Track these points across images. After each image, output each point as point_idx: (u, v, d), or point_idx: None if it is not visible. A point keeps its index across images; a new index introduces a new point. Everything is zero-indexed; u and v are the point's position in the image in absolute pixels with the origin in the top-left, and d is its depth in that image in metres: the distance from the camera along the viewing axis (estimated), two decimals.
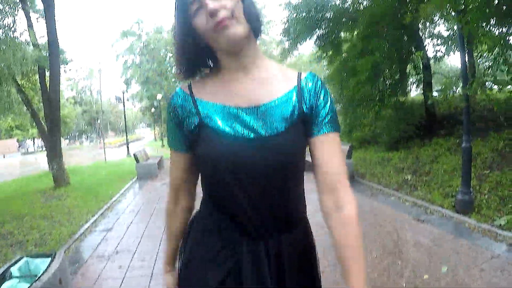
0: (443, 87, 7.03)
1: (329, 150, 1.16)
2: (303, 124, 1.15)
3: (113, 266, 4.83)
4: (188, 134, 1.18)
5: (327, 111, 1.16)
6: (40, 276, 3.15)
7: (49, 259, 3.48)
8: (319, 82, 1.19)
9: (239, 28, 1.04)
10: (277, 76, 1.18)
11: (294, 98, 1.14)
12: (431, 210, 6.15)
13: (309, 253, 1.31)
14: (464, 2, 6.06)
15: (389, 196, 7.40)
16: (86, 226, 6.83)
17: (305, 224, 1.34)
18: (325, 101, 1.17)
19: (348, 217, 1.12)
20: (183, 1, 1.09)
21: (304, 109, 1.15)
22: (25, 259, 3.48)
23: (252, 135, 1.10)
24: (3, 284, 3.09)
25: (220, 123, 1.11)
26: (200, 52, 1.16)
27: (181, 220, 1.40)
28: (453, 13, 6.50)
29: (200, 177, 1.29)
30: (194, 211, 1.43)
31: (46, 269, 3.28)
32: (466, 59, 6.48)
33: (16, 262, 3.40)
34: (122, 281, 4.33)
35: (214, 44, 1.10)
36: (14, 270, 3.30)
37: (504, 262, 4.04)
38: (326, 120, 1.16)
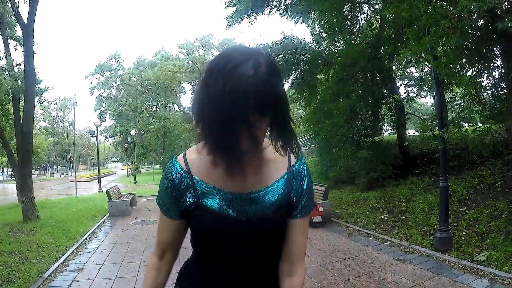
0: (420, 130, 7.19)
1: (300, 232, 1.29)
2: (288, 208, 1.24)
3: None
4: (184, 208, 1.25)
5: (307, 197, 1.28)
6: None
7: None
8: (305, 171, 1.28)
9: (258, 148, 1.12)
10: (270, 162, 1.24)
11: (283, 186, 1.23)
12: (410, 249, 6.15)
13: None
14: (440, 48, 6.29)
15: (367, 236, 7.36)
16: (56, 265, 6.48)
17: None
18: (308, 188, 1.28)
19: (295, 283, 1.30)
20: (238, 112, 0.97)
21: (291, 197, 1.24)
22: None
23: (243, 218, 1.20)
24: None
25: (215, 205, 1.20)
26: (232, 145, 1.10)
27: (164, 272, 1.43)
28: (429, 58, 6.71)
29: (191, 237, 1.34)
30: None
31: None
32: (428, 103, 6.68)
33: None
34: None
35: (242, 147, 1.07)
36: None
37: None
38: (305, 205, 1.27)
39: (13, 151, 12.86)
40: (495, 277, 4.59)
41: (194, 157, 1.25)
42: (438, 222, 6.06)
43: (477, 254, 5.31)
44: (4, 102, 10.92)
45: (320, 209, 8.70)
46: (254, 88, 0.93)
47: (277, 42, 13.61)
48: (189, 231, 1.35)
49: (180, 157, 1.28)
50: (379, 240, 7.01)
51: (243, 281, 1.27)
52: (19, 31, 10.66)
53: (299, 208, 1.25)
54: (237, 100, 0.93)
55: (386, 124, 13.62)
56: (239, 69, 0.94)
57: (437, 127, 6.50)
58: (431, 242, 6.14)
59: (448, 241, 5.80)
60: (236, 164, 1.06)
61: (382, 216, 8.35)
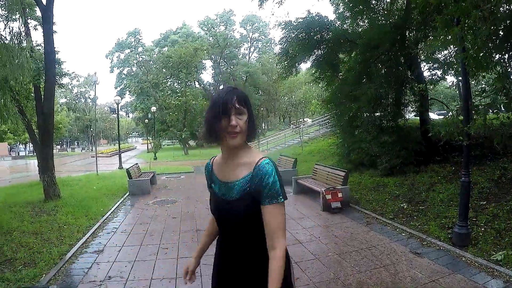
0: (444, 120, 7.02)
1: (270, 215, 1.78)
2: (254, 196, 1.81)
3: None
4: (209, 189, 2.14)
5: (268, 190, 1.77)
6: None
7: None
8: (266, 169, 1.79)
9: (239, 140, 1.84)
10: (247, 163, 1.88)
11: (247, 181, 1.85)
12: (428, 242, 6.09)
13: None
14: (469, 40, 6.08)
15: (385, 225, 7.31)
16: (77, 246, 6.66)
17: (261, 260, 1.85)
18: (266, 183, 1.77)
19: (274, 254, 1.75)
20: (217, 106, 1.82)
21: (252, 188, 1.82)
22: None
23: (226, 198, 1.94)
24: None
25: (216, 189, 2.04)
26: (215, 133, 1.86)
27: (213, 231, 2.27)
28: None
29: None
30: None
31: None
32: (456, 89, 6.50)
33: None
34: None
35: (224, 138, 1.84)
36: None
37: None
38: (269, 196, 1.77)
39: (34, 130, 13.07)
40: (511, 279, 4.51)
41: (217, 158, 2.12)
42: (457, 215, 5.96)
43: (494, 253, 5.23)
44: (25, 82, 11.01)
45: (339, 194, 8.69)
46: (236, 93, 1.85)
47: (300, 20, 13.38)
48: None
49: (212, 158, 2.17)
50: (397, 230, 6.96)
51: (235, 247, 1.95)
52: (38, 11, 10.65)
53: (263, 197, 1.77)
54: (226, 99, 1.81)
55: (409, 109, 13.33)
56: (221, 92, 1.87)
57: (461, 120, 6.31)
58: (449, 236, 6.07)
59: (466, 237, 5.71)
60: (235, 131, 1.80)
61: (401, 205, 8.28)
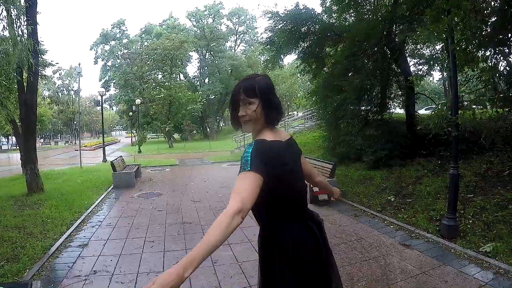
0: (432, 113, 7.04)
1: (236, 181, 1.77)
2: None
3: None
4: None
5: (241, 161, 1.83)
6: None
7: None
8: (247, 148, 1.90)
9: (248, 127, 2.03)
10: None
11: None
12: (416, 234, 6.11)
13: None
14: (459, 31, 6.08)
15: (373, 218, 7.33)
16: (61, 240, 6.52)
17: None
18: (242, 157, 1.85)
19: (224, 212, 1.62)
20: (231, 97, 2.09)
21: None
22: None
23: None
24: None
25: None
26: (234, 121, 2.12)
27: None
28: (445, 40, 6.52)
29: None
30: None
31: None
32: (443, 83, 6.49)
33: None
34: None
35: (241, 124, 2.06)
36: None
37: None
38: (240, 166, 1.83)
39: (17, 122, 12.82)
40: (500, 271, 4.54)
41: None
42: (445, 208, 6.00)
43: (483, 245, 5.26)
44: (8, 73, 10.76)
45: None
46: (244, 84, 2.01)
47: (288, 12, 13.31)
48: None
49: None
50: (385, 222, 6.98)
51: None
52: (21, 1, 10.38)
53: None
54: (234, 92, 2.03)
55: (395, 102, 13.39)
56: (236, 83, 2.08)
57: (449, 112, 6.32)
58: (437, 228, 6.10)
59: (455, 229, 5.75)
60: (243, 120, 2.01)
61: (389, 197, 8.31)
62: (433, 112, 7.22)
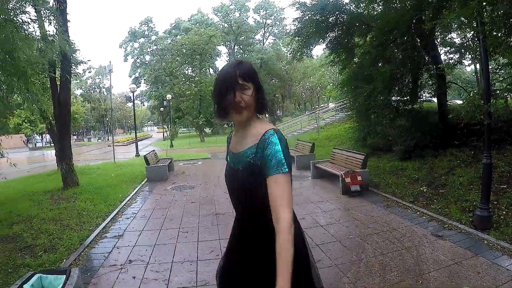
0: (465, 101, 6.95)
1: (273, 186, 1.71)
2: (258, 167, 1.80)
3: (126, 277, 4.79)
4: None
5: (271, 161, 1.74)
6: None
7: (63, 276, 3.47)
8: (270, 139, 1.78)
9: (245, 115, 1.88)
10: (254, 134, 1.89)
11: (253, 151, 1.85)
12: (449, 225, 6.08)
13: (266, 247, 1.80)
14: (487, 15, 5.98)
15: (405, 209, 7.31)
16: (96, 231, 6.81)
17: (265, 227, 1.80)
18: (269, 153, 1.76)
19: (279, 227, 1.64)
20: (221, 82, 1.87)
21: (256, 159, 1.83)
22: (38, 275, 3.46)
23: (234, 167, 1.99)
24: None
25: (228, 159, 2.14)
26: (223, 109, 1.91)
27: None
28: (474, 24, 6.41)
29: None
30: None
31: (62, 287, 3.28)
32: (475, 72, 6.40)
33: (29, 279, 3.38)
34: None
35: (232, 114, 1.89)
36: (27, 287, 3.27)
37: None
38: (272, 167, 1.73)
39: (51, 120, 13.21)
40: None
41: (233, 134, 2.16)
42: (478, 199, 5.94)
43: None
44: (41, 72, 11.10)
45: (359, 177, 8.72)
46: (241, 68, 1.86)
47: (315, 2, 13.28)
48: None
49: (233, 131, 2.17)
50: (418, 213, 6.96)
51: (243, 221, 2.04)
52: (51, 2, 10.70)
53: (267, 168, 1.74)
54: (229, 75, 1.84)
55: (426, 92, 13.22)
56: (226, 68, 1.92)
57: (481, 100, 6.23)
58: (470, 219, 6.05)
59: (488, 220, 5.69)
60: (239, 107, 1.84)
61: (421, 188, 8.26)
62: (465, 101, 7.13)
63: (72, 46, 11.15)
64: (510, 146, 8.64)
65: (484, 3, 5.65)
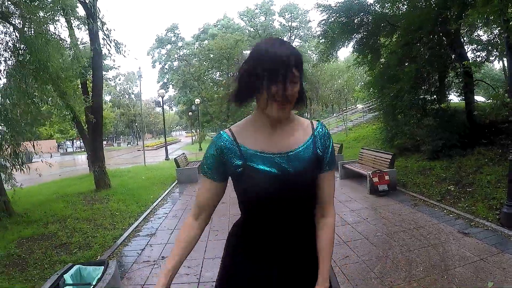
0: (491, 99, 6.98)
1: (328, 182, 1.66)
2: (317, 162, 1.61)
3: (159, 272, 5.01)
4: (231, 171, 1.61)
5: (330, 154, 1.65)
6: (96, 284, 3.37)
7: (101, 267, 3.70)
8: (326, 131, 1.67)
9: (287, 111, 1.50)
10: (298, 127, 1.64)
11: (312, 145, 1.61)
12: (476, 223, 6.13)
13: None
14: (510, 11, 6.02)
15: (433, 207, 7.38)
16: (129, 230, 7.15)
17: (312, 223, 1.71)
18: (330, 146, 1.66)
19: (328, 221, 1.66)
20: (266, 65, 1.40)
21: (318, 152, 1.62)
22: (77, 266, 3.70)
23: (287, 171, 1.54)
24: None
25: (261, 165, 1.54)
26: (251, 94, 1.51)
27: (197, 230, 1.73)
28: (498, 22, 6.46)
29: (239, 203, 1.73)
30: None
31: (101, 278, 3.50)
32: (498, 68, 6.44)
33: (68, 270, 3.60)
34: None
35: (266, 105, 1.47)
36: (67, 277, 3.49)
37: None
38: (330, 161, 1.65)
39: (83, 125, 13.71)
40: None
41: (238, 129, 1.64)
42: (505, 196, 5.97)
43: None
44: (73, 79, 11.56)
45: (386, 177, 8.80)
46: (294, 54, 1.45)
47: (340, 4, 13.40)
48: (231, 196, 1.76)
49: (226, 130, 1.65)
50: (445, 211, 7.02)
51: (285, 233, 1.60)
52: (80, 11, 11.14)
53: (325, 163, 1.63)
54: (282, 59, 1.39)
55: (453, 91, 13.13)
56: (274, 48, 1.44)
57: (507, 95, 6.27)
58: (497, 217, 6.09)
59: None
60: (286, 102, 1.44)
61: (448, 187, 8.28)
62: (491, 98, 7.16)
63: (103, 53, 11.58)
64: None
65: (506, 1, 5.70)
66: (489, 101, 9.77)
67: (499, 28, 8.28)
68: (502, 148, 9.08)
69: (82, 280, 3.62)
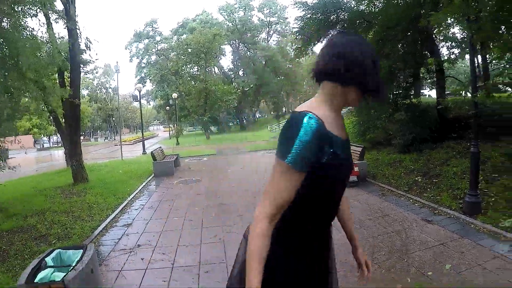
0: (453, 92, 7.22)
1: None
2: None
3: (135, 259, 5.17)
4: (323, 159, 1.42)
5: None
6: (75, 265, 3.51)
7: (80, 251, 3.86)
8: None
9: None
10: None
11: None
12: (439, 211, 6.37)
13: None
14: (476, 10, 6.23)
15: (399, 197, 7.61)
16: (107, 221, 7.19)
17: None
18: None
19: (345, 201, 1.83)
20: (372, 60, 1.46)
21: None
22: (57, 250, 3.84)
23: (349, 159, 1.59)
24: (39, 273, 3.40)
25: (341, 153, 1.48)
26: (342, 80, 1.49)
27: (269, 240, 1.44)
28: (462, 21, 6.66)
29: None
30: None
31: (80, 259, 3.65)
32: (476, 65, 6.68)
33: (49, 253, 3.75)
34: (144, 272, 4.66)
35: (354, 95, 1.51)
36: (48, 260, 3.64)
37: (506, 261, 4.27)
38: None
39: (60, 119, 13.57)
40: None
41: (321, 113, 1.45)
42: (469, 186, 6.20)
43: (503, 220, 5.45)
44: (50, 73, 11.44)
45: (356, 169, 8.97)
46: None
47: (316, 1, 13.51)
48: None
49: (311, 114, 1.41)
50: (411, 201, 7.27)
51: (329, 223, 1.68)
52: (59, 5, 11.01)
53: None
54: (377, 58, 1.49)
55: (426, 86, 13.43)
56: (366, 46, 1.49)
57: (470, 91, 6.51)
58: (460, 206, 6.33)
59: (476, 206, 5.97)
60: (386, 95, 1.64)
61: (416, 178, 8.52)
62: (453, 90, 7.38)
63: (81, 47, 11.48)
64: (505, 138, 8.85)
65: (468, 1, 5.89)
66: (453, 90, 10.08)
67: (462, 28, 8.53)
68: (470, 141, 9.34)
69: (63, 262, 3.75)
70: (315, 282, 1.62)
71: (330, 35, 1.64)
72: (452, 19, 9.02)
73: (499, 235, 5.08)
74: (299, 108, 1.50)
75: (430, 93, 15.32)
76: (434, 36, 12.01)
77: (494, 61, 10.00)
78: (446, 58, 12.13)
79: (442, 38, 13.02)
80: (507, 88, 8.30)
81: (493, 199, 6.30)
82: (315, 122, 1.38)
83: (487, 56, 11.54)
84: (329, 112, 1.50)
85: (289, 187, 1.40)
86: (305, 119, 1.38)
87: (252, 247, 1.39)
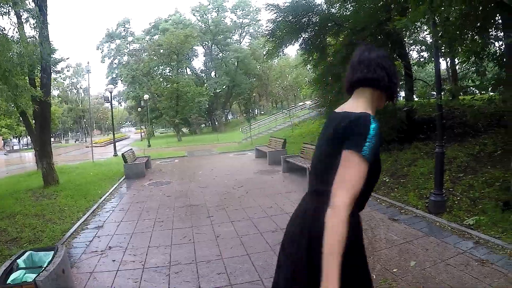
0: (419, 95, 7.38)
1: None
2: None
3: (106, 261, 5.12)
4: (377, 154, 1.68)
5: None
6: (46, 266, 3.51)
7: (51, 252, 3.85)
8: None
9: None
10: None
11: None
12: (406, 210, 6.51)
13: None
14: (443, 17, 6.39)
15: None
16: (78, 224, 7.07)
17: None
18: None
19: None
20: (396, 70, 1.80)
21: None
22: (29, 252, 3.84)
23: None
24: (12, 275, 3.40)
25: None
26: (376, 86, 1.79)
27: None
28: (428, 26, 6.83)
29: None
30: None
31: (51, 261, 3.64)
32: (446, 68, 6.83)
33: (21, 255, 3.75)
34: (116, 274, 4.61)
35: (382, 99, 1.83)
36: (20, 262, 3.63)
37: (469, 258, 4.38)
38: None
39: (30, 120, 13.24)
40: (480, 240, 4.87)
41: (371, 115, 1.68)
42: (434, 186, 6.35)
43: (467, 218, 5.60)
44: (20, 73, 11.17)
45: None
46: None
47: (288, 4, 13.58)
48: None
49: (372, 115, 1.66)
50: (378, 200, 7.41)
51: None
52: (30, 3, 10.77)
53: None
54: None
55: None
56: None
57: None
58: (426, 205, 6.46)
59: (442, 205, 6.10)
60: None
61: (384, 179, 8.65)
62: (418, 92, 7.54)
63: (52, 47, 11.25)
64: (471, 139, 9.07)
65: (435, 6, 6.02)
66: (417, 99, 10.30)
67: (428, 32, 8.73)
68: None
69: (34, 264, 3.76)
70: (368, 270, 1.85)
71: (360, 48, 1.92)
72: (419, 24, 9.23)
73: (463, 233, 5.20)
74: (348, 109, 1.75)
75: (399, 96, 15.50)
76: (403, 40, 12.24)
77: (460, 65, 10.23)
78: (415, 61, 12.34)
79: (411, 42, 13.29)
80: (474, 90, 8.48)
81: (458, 198, 6.45)
82: (376, 121, 1.60)
83: (455, 59, 11.78)
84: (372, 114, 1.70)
85: (363, 177, 1.54)
86: (371, 119, 1.59)
87: (336, 235, 1.45)
